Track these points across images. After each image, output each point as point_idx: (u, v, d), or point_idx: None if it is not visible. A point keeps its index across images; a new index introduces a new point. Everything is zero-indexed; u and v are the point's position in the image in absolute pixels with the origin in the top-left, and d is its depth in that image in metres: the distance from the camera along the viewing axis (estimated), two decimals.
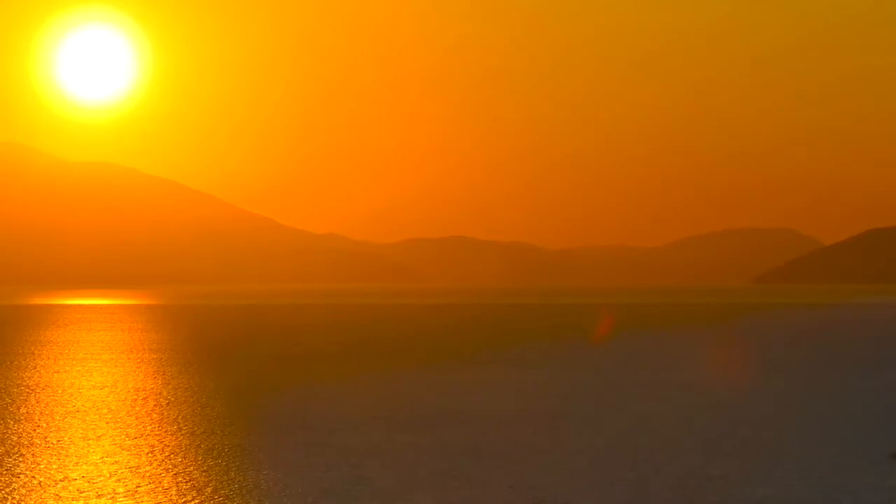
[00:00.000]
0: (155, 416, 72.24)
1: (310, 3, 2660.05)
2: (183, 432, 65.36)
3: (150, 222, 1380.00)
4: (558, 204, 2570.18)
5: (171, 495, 47.31)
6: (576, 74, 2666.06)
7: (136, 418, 71.13)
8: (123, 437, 63.68)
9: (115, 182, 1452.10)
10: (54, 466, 53.97)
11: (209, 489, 48.67)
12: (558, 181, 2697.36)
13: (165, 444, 60.90)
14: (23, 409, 75.17)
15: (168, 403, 78.63)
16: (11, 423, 68.79)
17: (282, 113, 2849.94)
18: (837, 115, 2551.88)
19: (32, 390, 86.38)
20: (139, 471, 52.88)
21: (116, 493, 47.65)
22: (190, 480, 50.61)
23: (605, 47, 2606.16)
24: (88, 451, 58.59)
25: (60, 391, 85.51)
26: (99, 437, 63.51)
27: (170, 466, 54.24)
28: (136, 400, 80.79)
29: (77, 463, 54.90)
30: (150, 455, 57.35)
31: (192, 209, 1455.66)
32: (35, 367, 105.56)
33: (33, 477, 51.44)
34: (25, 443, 61.15)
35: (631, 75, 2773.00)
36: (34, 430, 65.97)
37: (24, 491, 48.10)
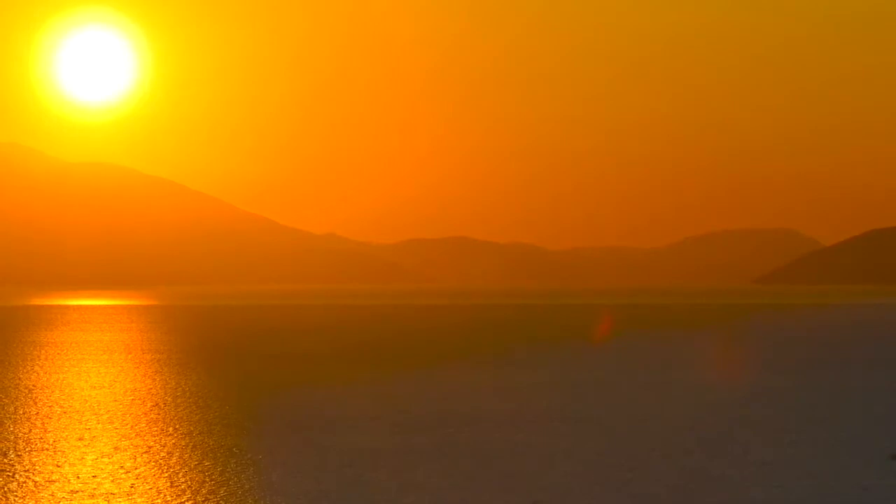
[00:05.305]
0: (151, 416, 71.94)
1: (309, 3, 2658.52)
2: (179, 433, 65.05)
3: (150, 223, 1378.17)
4: (558, 204, 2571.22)
5: (165, 496, 47.00)
6: (576, 74, 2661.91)
7: (132, 419, 70.81)
8: (119, 437, 63.37)
9: (114, 182, 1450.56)
10: (49, 467, 53.65)
11: (204, 490, 48.38)
12: (558, 181, 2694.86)
13: (161, 445, 60.62)
14: (19, 410, 74.89)
15: (164, 404, 78.33)
16: (7, 423, 68.49)
17: (281, 113, 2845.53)
18: (837, 115, 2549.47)
19: (29, 391, 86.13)
20: (134, 472, 52.57)
21: (111, 494, 47.33)
22: (185, 482, 50.30)
23: (605, 47, 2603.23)
24: (83, 451, 58.29)
25: (56, 392, 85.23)
26: (94, 437, 63.21)
27: (165, 467, 53.93)
28: (132, 401, 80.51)
29: (72, 464, 54.59)
30: (145, 456, 57.06)
31: (192, 209, 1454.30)
32: (31, 368, 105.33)
33: (28, 478, 51.11)
34: (21, 443, 60.87)
35: (631, 75, 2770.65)
36: (30, 430, 65.67)
37: (19, 492, 47.79)
